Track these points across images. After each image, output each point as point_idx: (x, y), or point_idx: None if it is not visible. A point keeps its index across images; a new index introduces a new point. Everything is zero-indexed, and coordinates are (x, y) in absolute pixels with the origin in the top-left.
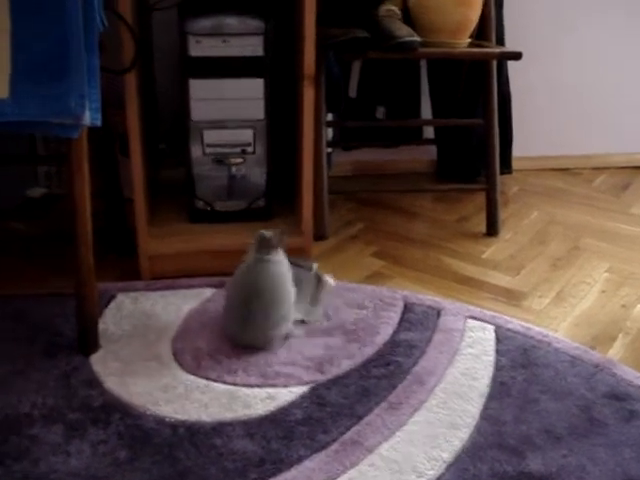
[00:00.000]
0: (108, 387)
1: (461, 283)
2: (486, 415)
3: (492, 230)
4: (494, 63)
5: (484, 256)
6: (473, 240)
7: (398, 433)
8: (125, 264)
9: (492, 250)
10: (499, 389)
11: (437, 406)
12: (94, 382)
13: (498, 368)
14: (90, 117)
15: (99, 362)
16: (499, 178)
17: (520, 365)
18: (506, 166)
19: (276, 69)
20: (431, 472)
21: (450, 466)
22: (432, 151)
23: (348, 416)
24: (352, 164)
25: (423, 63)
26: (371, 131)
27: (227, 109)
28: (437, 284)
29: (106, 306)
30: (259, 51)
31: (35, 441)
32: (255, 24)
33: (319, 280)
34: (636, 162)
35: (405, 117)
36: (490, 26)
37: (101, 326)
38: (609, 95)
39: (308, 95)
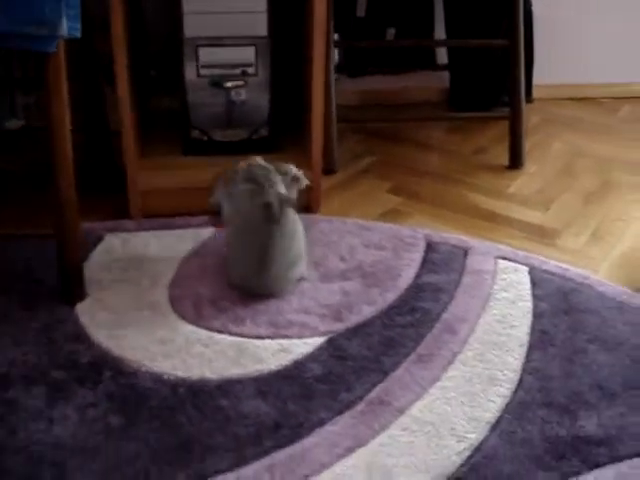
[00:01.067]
0: (96, 341)
1: (487, 220)
2: (529, 368)
3: (516, 162)
4: None
5: (510, 190)
6: (495, 173)
7: (431, 390)
8: (113, 202)
9: (517, 184)
10: (541, 338)
11: (473, 358)
12: (80, 336)
13: (537, 315)
14: (67, 27)
15: (86, 313)
16: (524, 105)
17: (562, 311)
18: (527, 94)
19: None
20: (472, 435)
21: (493, 428)
22: (444, 78)
23: (373, 371)
24: (358, 93)
25: None
26: (379, 56)
27: (225, 24)
28: (461, 221)
29: (92, 249)
30: None
31: (12, 406)
32: None
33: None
34: None
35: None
36: None
37: (87, 272)
38: (632, 21)
39: (319, 7)
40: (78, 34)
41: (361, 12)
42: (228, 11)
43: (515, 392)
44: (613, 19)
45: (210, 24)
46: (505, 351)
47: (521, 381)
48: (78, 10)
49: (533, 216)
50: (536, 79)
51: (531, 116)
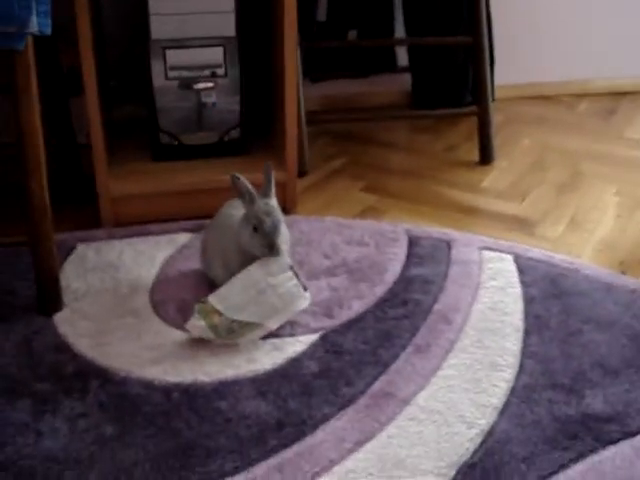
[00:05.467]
0: (79, 350)
1: (465, 213)
2: (529, 352)
3: (486, 158)
4: None
5: (483, 185)
6: (467, 169)
7: (433, 379)
8: (83, 213)
9: (490, 178)
10: (535, 323)
11: (471, 346)
12: (62, 346)
13: (528, 300)
14: (37, 23)
15: (65, 322)
16: (491, 100)
17: (552, 295)
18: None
19: None
20: (482, 421)
21: (502, 412)
22: (405, 81)
23: (372, 364)
24: (319, 98)
25: None
26: (341, 60)
27: (192, 25)
28: (439, 216)
29: (65, 259)
30: None
31: None
32: None
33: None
34: (617, 88)
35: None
36: None
37: (62, 282)
38: (586, 20)
39: (290, 8)
40: (49, 31)
41: (322, 16)
42: (195, 12)
43: (518, 376)
44: (566, 18)
45: (177, 25)
46: (502, 337)
47: (522, 365)
48: (48, 6)
49: (510, 208)
50: (496, 80)
51: (495, 115)
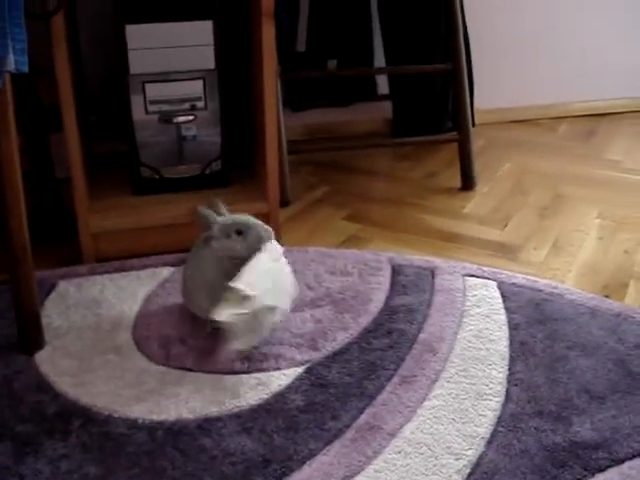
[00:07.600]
0: (61, 390)
1: (448, 240)
2: (515, 380)
3: (468, 184)
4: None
5: (465, 211)
6: (449, 195)
7: (420, 410)
8: (64, 249)
9: (472, 204)
10: (521, 349)
11: (457, 375)
12: (43, 385)
13: (513, 327)
14: (15, 61)
15: (46, 361)
16: (471, 126)
17: (536, 321)
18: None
19: (226, 9)
20: (469, 452)
21: (489, 442)
22: (386, 109)
23: (358, 397)
24: (301, 127)
25: (374, 10)
26: (321, 89)
27: (171, 58)
28: (422, 243)
29: (46, 297)
30: None
31: None
32: None
33: None
34: (595, 110)
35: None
36: None
37: (43, 320)
38: (563, 44)
39: (268, 35)
40: (26, 68)
41: (301, 47)
42: (174, 45)
43: (504, 405)
44: (544, 42)
45: (156, 59)
46: (488, 365)
47: (508, 393)
48: (25, 44)
49: (492, 233)
50: (475, 105)
51: (476, 139)
